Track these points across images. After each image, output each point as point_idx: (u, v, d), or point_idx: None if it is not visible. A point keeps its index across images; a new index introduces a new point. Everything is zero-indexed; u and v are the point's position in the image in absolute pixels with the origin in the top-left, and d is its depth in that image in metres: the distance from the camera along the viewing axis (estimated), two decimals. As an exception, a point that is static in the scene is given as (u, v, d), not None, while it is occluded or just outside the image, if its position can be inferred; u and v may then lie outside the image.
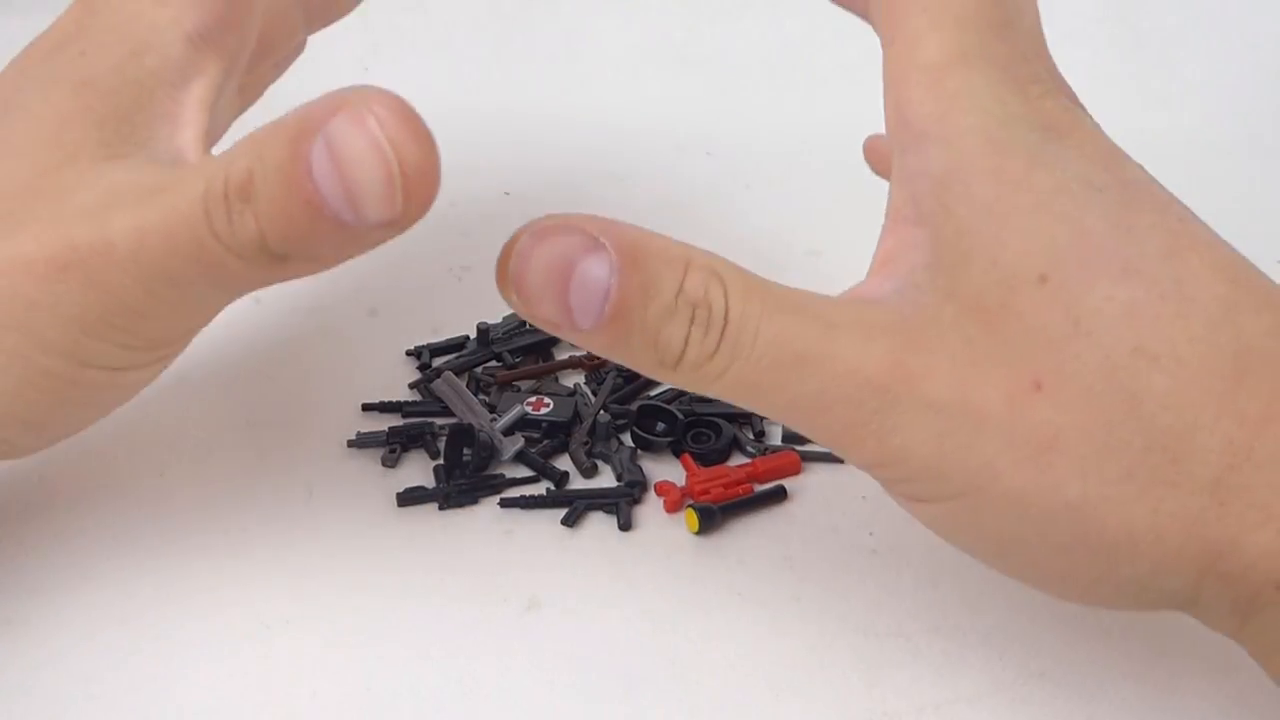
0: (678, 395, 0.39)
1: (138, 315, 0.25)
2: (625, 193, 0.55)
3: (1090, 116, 0.26)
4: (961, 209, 0.24)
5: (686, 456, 0.36)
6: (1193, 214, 0.25)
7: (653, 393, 0.40)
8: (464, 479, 0.35)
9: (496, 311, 0.44)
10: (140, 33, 0.27)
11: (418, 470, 0.36)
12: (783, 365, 0.23)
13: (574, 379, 0.40)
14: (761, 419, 0.38)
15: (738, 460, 0.37)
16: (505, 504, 0.35)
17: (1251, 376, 0.23)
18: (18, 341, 0.25)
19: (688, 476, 0.36)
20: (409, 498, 0.35)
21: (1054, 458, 0.23)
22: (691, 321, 0.23)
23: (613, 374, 0.40)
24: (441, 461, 0.36)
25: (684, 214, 0.52)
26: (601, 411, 0.38)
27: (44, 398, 0.26)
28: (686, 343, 0.23)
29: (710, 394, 0.24)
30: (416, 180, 0.21)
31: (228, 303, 0.26)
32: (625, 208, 0.53)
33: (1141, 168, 0.26)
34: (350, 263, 0.46)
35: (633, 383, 0.40)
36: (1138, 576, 0.24)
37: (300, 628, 0.30)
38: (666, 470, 0.36)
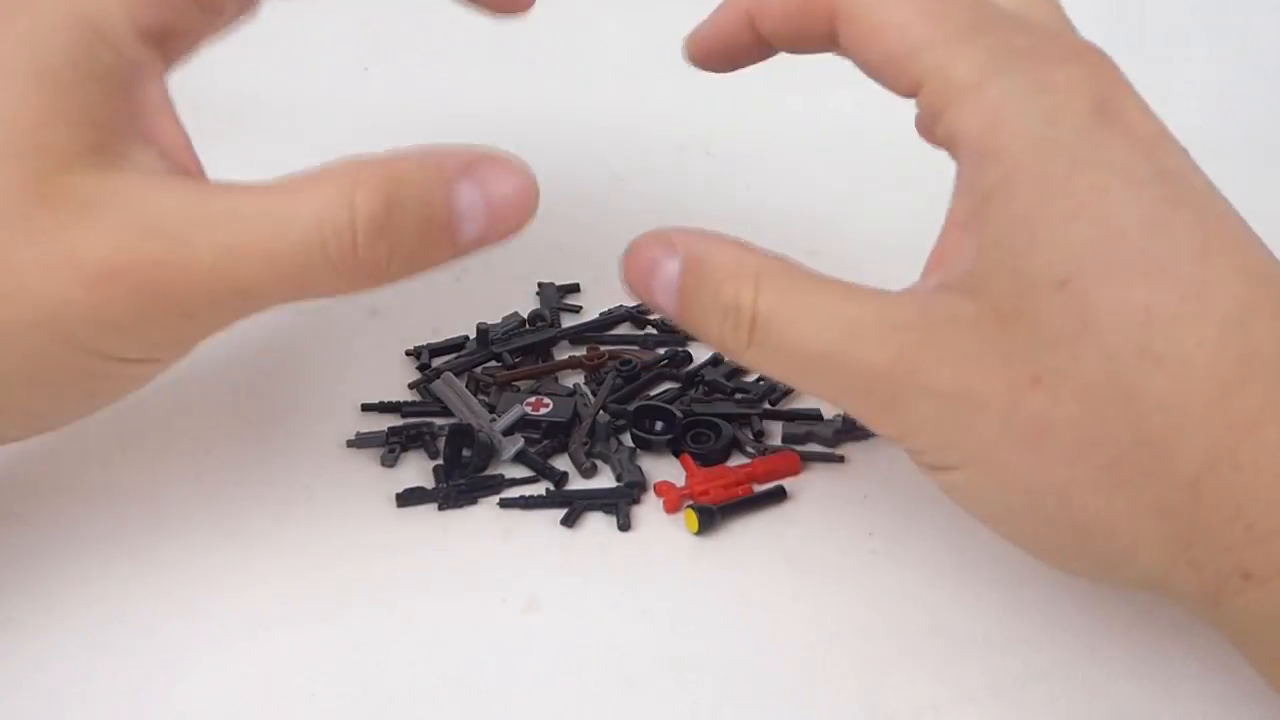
0: (677, 396, 0.39)
1: (186, 318, 0.27)
2: (625, 193, 0.55)
3: (1127, 80, 0.27)
4: (1000, 221, 0.26)
5: (686, 457, 0.36)
6: (1230, 208, 0.26)
7: (652, 393, 0.40)
8: (463, 479, 0.35)
9: (496, 311, 0.43)
10: (91, 16, 0.27)
11: (417, 470, 0.36)
12: (808, 359, 0.27)
13: (573, 379, 0.40)
14: (760, 419, 0.38)
15: (737, 460, 0.37)
16: (505, 504, 0.35)
17: (1251, 383, 0.24)
18: (42, 338, 0.26)
19: (687, 477, 0.36)
20: (408, 498, 0.34)
21: (1045, 443, 0.25)
22: (723, 318, 0.27)
23: (612, 374, 0.40)
24: (441, 462, 0.36)
25: (684, 214, 0.52)
26: (601, 411, 0.38)
27: (58, 390, 0.27)
28: (721, 337, 0.27)
29: (761, 372, 0.29)
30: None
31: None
32: (625, 208, 0.53)
33: (1184, 152, 0.26)
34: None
35: (632, 383, 0.40)
36: (1113, 553, 0.26)
37: (299, 628, 0.30)
38: (666, 470, 0.36)
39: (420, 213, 0.26)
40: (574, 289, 0.46)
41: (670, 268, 0.27)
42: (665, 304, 0.28)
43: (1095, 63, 0.27)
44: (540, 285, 0.46)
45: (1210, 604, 0.25)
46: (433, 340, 0.42)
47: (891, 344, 0.26)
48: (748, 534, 0.34)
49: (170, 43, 0.29)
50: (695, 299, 0.27)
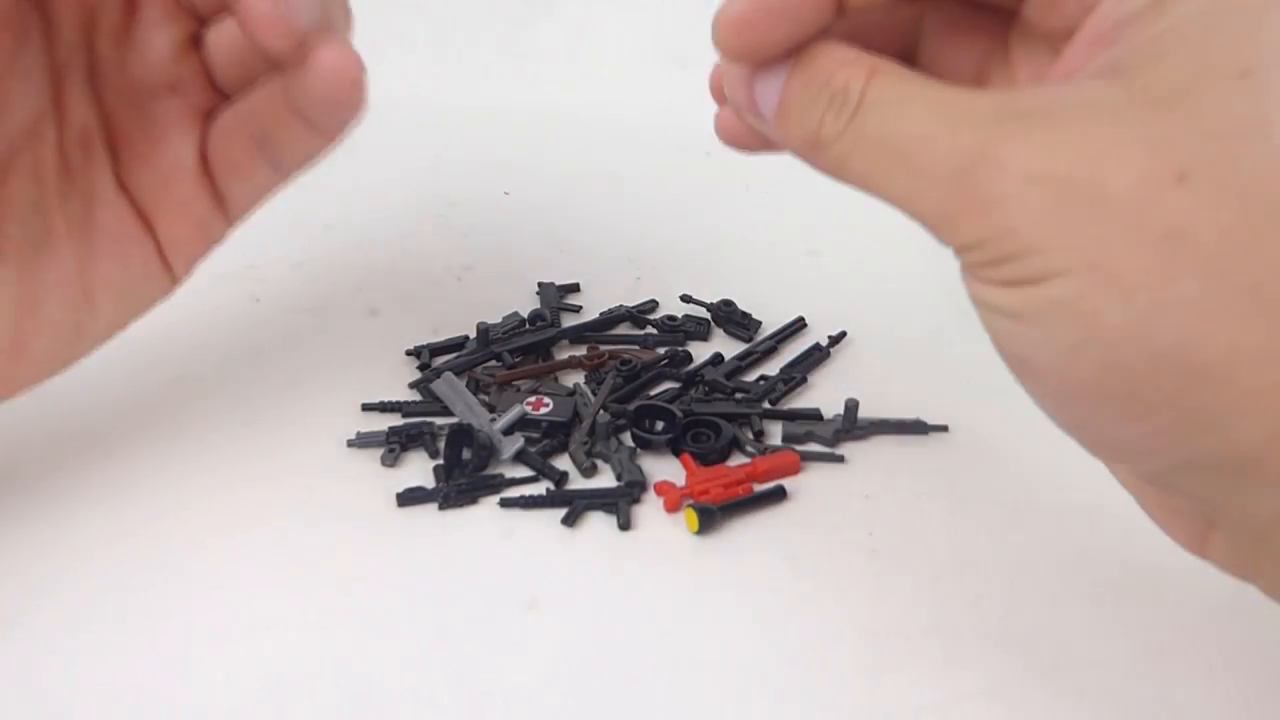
0: (677, 395, 0.39)
1: None
2: (625, 193, 0.55)
3: None
4: (1172, 15, 0.22)
5: (686, 456, 0.36)
6: None
7: (652, 393, 0.40)
8: (464, 479, 0.35)
9: (496, 311, 0.44)
10: None
11: (417, 470, 0.36)
12: (900, 145, 0.25)
13: (574, 379, 0.40)
14: (760, 419, 0.38)
15: (737, 460, 0.37)
16: (505, 504, 0.35)
17: None
18: None
19: (687, 476, 0.36)
20: (409, 498, 0.35)
21: (1179, 249, 0.21)
22: (828, 106, 0.26)
23: (612, 374, 0.40)
24: (441, 461, 0.36)
25: (684, 214, 0.52)
26: (601, 411, 0.38)
27: None
28: (820, 124, 0.26)
29: (850, 183, 0.27)
30: None
31: None
32: (625, 208, 0.53)
33: None
34: (350, 262, 0.46)
35: (632, 383, 0.40)
36: (1211, 409, 0.22)
37: (300, 627, 0.30)
38: (666, 470, 0.36)
39: None
40: (574, 289, 0.46)
41: (778, 70, 0.27)
42: (767, 99, 0.27)
43: None
44: (540, 285, 0.46)
45: None
46: (433, 340, 0.42)
47: (996, 122, 0.23)
48: (748, 534, 0.34)
49: None
50: (801, 89, 0.27)
